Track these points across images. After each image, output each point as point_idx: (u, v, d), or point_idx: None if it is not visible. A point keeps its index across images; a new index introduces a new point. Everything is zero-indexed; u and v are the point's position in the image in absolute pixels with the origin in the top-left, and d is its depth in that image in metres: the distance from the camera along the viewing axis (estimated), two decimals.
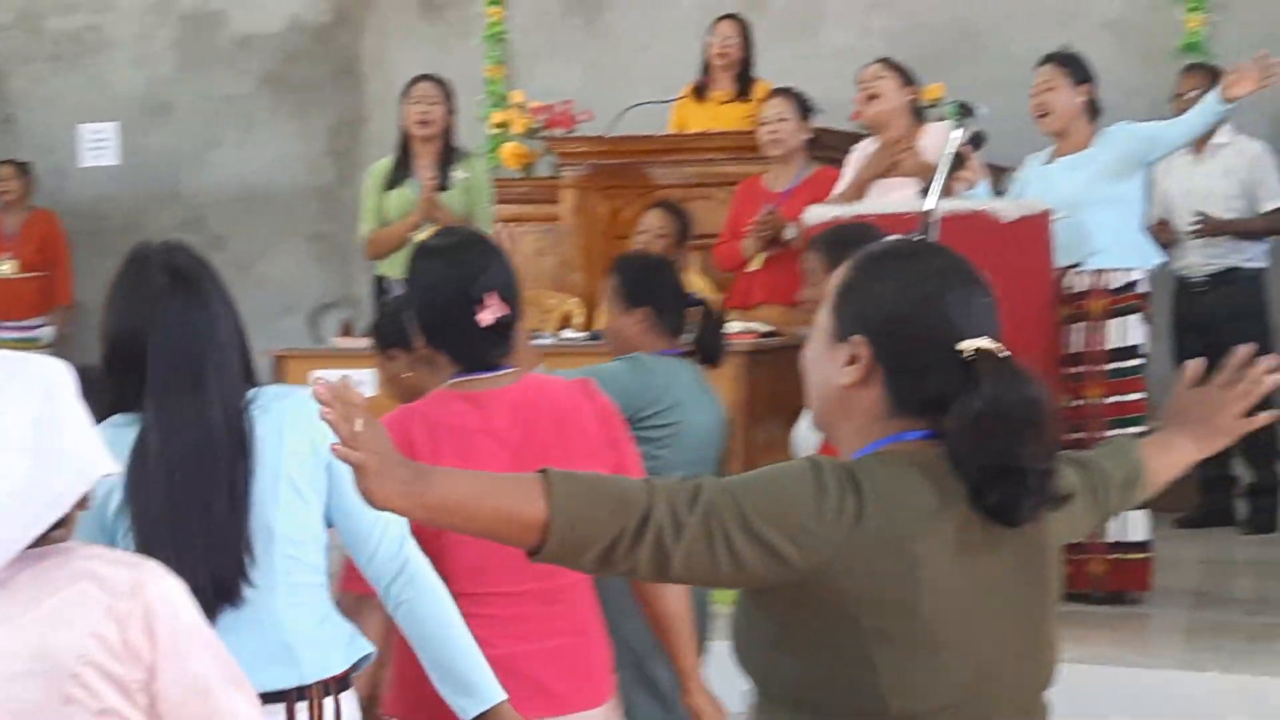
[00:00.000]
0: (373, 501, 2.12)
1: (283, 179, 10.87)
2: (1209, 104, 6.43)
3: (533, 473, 2.15)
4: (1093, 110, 6.67)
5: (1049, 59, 6.73)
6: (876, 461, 2.22)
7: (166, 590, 2.41)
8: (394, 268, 7.52)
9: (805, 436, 4.60)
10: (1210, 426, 2.72)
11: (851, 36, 9.71)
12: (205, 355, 2.92)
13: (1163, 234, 7.74)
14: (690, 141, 8.30)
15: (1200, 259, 7.93)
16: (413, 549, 3.08)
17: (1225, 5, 9.11)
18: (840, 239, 4.83)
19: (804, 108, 7.49)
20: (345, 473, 2.36)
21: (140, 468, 2.88)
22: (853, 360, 2.28)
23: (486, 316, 3.32)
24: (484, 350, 3.37)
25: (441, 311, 3.37)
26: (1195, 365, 2.75)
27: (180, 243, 3.06)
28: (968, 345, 2.21)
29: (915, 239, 2.43)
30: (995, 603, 2.23)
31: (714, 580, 2.21)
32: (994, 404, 2.17)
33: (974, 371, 2.20)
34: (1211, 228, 7.73)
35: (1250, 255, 7.91)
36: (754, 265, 7.34)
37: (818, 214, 6.32)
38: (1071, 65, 6.68)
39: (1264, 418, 2.73)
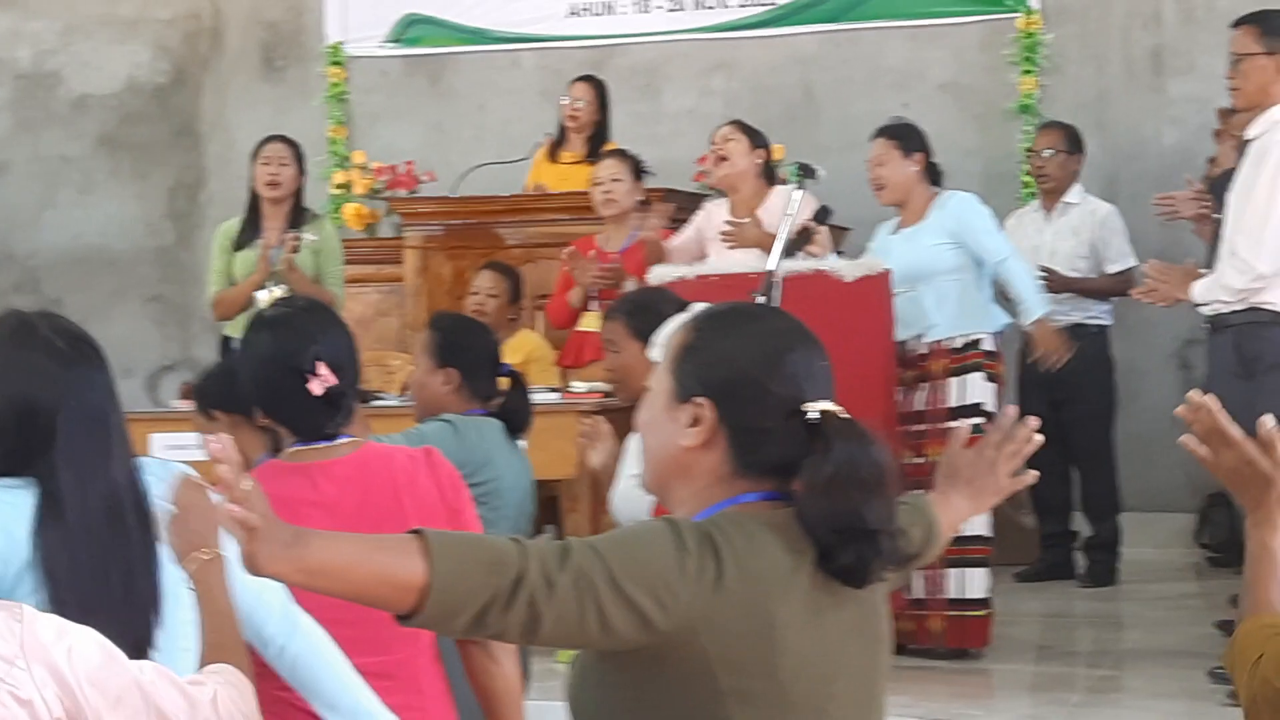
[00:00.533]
0: (255, 565, 2.07)
1: (120, 240, 10.72)
2: (1037, 302, 6.64)
3: (406, 534, 2.09)
4: (932, 175, 6.78)
5: (880, 132, 6.80)
6: (727, 522, 2.21)
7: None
8: (239, 328, 7.43)
9: (630, 498, 4.54)
10: (980, 486, 2.76)
11: (692, 98, 9.80)
12: (110, 418, 2.89)
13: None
14: (533, 202, 8.32)
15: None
16: (295, 605, 3.02)
17: (1057, 68, 9.31)
18: (640, 305, 4.85)
19: (637, 169, 7.53)
20: (230, 551, 2.40)
21: (54, 529, 2.81)
22: (695, 421, 2.26)
23: (316, 386, 3.28)
24: (317, 420, 3.34)
25: (273, 382, 3.34)
26: (963, 432, 2.80)
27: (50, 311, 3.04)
28: (813, 407, 2.22)
29: (751, 301, 2.44)
30: (841, 663, 2.25)
31: (582, 641, 2.18)
32: (846, 466, 2.18)
33: (820, 434, 2.21)
34: (1057, 284, 7.85)
35: (1095, 313, 8.05)
36: (587, 324, 7.34)
37: (662, 274, 6.35)
38: (902, 137, 6.76)
39: (1029, 478, 2.78)
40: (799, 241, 5.96)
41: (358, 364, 3.43)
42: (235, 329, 7.35)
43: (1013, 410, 2.77)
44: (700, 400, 2.26)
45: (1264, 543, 2.56)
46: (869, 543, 2.19)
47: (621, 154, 7.63)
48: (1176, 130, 9.05)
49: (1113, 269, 7.99)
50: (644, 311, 4.63)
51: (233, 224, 7.63)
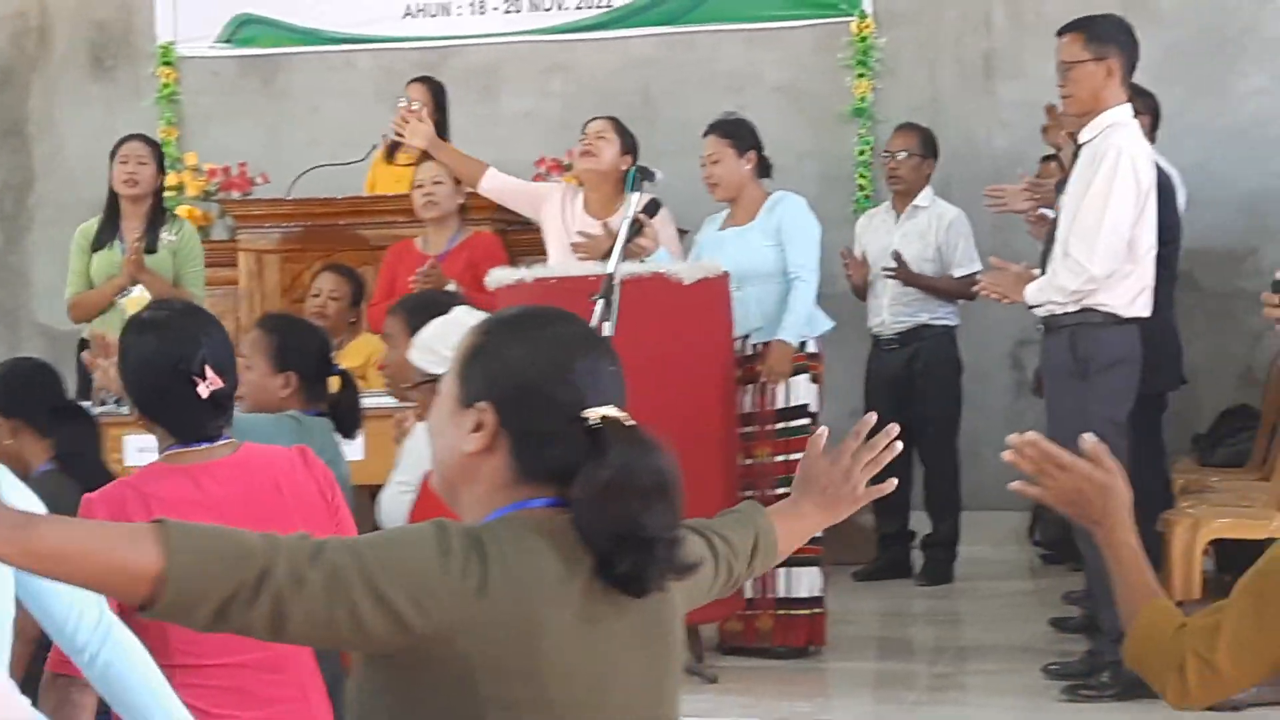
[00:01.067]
0: None
1: None
2: (795, 329, 6.54)
3: (148, 522, 2.07)
4: (763, 170, 6.81)
5: (713, 129, 6.84)
6: (503, 528, 2.19)
7: None
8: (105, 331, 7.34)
9: (393, 503, 4.56)
10: (836, 495, 2.77)
11: (530, 100, 9.78)
12: None
13: (860, 279, 7.96)
14: (369, 204, 8.25)
15: (891, 316, 8.13)
16: (111, 614, 3.01)
17: (891, 71, 9.40)
18: (422, 305, 4.86)
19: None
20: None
21: None
22: (478, 427, 2.25)
23: (204, 390, 3.32)
24: (202, 422, 3.37)
25: (159, 385, 3.35)
26: (820, 436, 2.80)
27: None
28: (594, 413, 2.20)
29: (543, 306, 2.42)
30: (619, 672, 2.22)
31: (333, 641, 2.16)
32: (622, 472, 2.16)
33: (601, 440, 2.19)
34: (904, 275, 7.93)
35: (940, 314, 8.13)
36: None
37: (500, 277, 6.32)
38: (735, 134, 6.80)
39: (887, 487, 2.79)
40: (629, 235, 5.95)
41: (235, 365, 3.48)
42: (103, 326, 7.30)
43: (871, 417, 2.78)
44: (483, 405, 2.24)
45: (1124, 542, 2.64)
46: (646, 551, 2.17)
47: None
48: (1007, 134, 9.18)
49: (959, 273, 8.07)
50: (424, 311, 4.64)
51: (91, 225, 7.54)
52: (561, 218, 7.03)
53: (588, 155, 6.96)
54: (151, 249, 7.34)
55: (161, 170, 7.56)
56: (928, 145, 8.24)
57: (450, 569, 2.13)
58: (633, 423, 2.22)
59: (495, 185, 7.30)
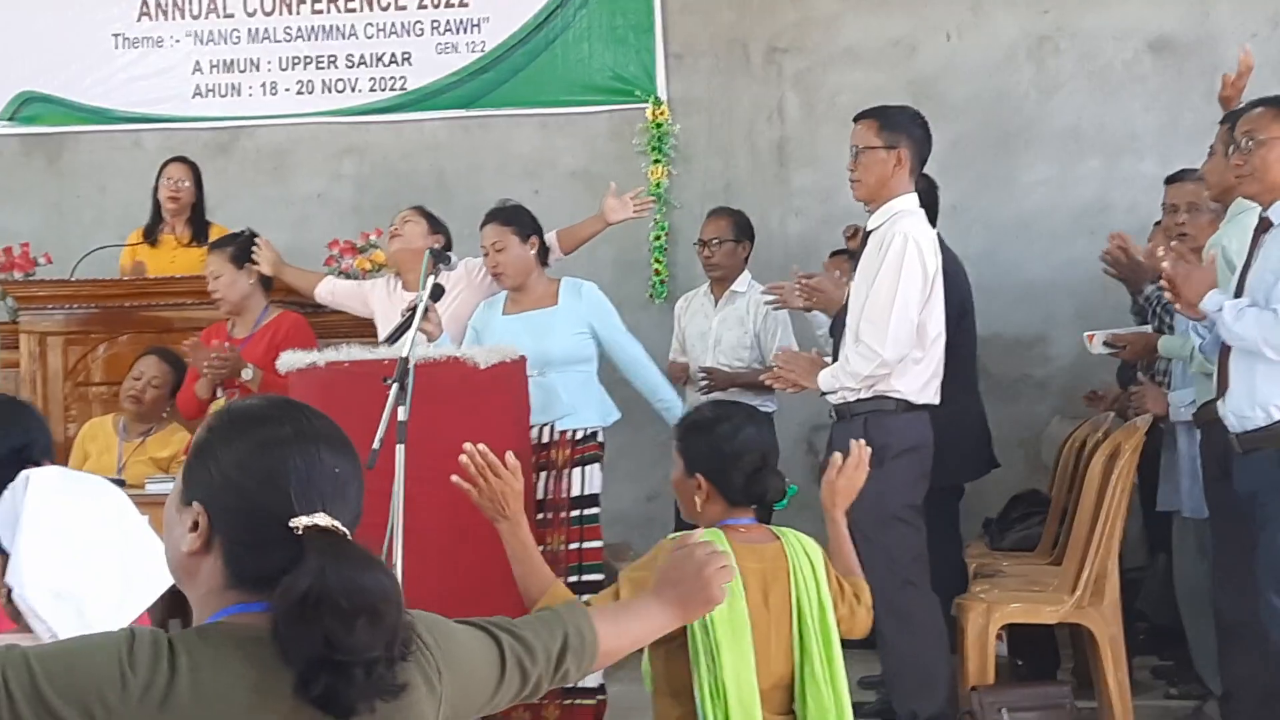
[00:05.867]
0: None
1: None
2: (677, 403, 6.83)
3: None
4: (544, 258, 6.82)
5: (491, 216, 6.84)
6: (201, 637, 2.12)
7: None
8: None
9: None
10: (690, 594, 2.75)
11: (322, 182, 9.68)
12: None
13: (680, 375, 7.89)
14: (156, 286, 8.08)
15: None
16: None
17: (685, 158, 9.46)
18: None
19: (240, 256, 7.31)
20: None
21: None
22: (194, 527, 2.19)
23: None
24: None
25: None
26: (693, 541, 2.81)
27: None
28: (299, 522, 2.13)
29: (278, 397, 2.32)
30: None
31: None
32: (318, 587, 2.06)
33: (302, 551, 2.11)
34: (719, 382, 7.83)
35: (760, 402, 8.05)
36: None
37: (290, 361, 6.21)
38: (516, 221, 6.80)
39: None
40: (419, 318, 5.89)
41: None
42: None
43: (837, 457, 2.79)
44: (197, 507, 2.19)
45: (525, 534, 3.48)
46: (342, 673, 2.06)
47: (220, 245, 7.44)
48: (801, 220, 9.27)
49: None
50: None
51: None
52: (389, 301, 7.08)
53: (396, 237, 7.09)
54: None
55: None
56: (742, 229, 8.11)
57: (129, 683, 2.04)
58: (341, 533, 2.13)
59: (328, 290, 7.45)
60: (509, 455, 3.47)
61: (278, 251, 7.40)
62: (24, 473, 3.04)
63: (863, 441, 4.11)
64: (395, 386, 5.37)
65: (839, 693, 3.94)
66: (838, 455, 4.00)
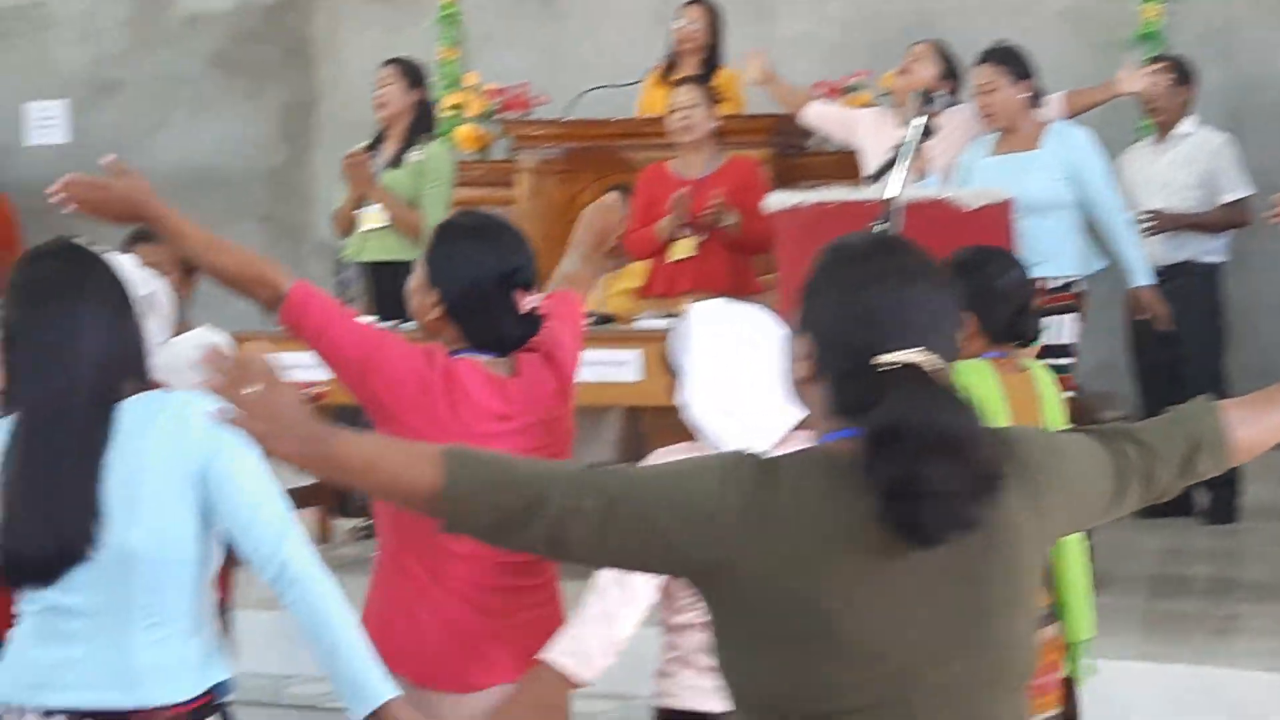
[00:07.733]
0: (272, 454, 2.25)
1: (233, 160, 10.76)
2: (1143, 270, 6.71)
3: (436, 448, 2.23)
4: (1036, 101, 6.70)
5: (987, 56, 6.74)
6: (801, 461, 2.22)
7: None
8: (355, 250, 7.53)
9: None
10: None
11: (808, 23, 9.70)
12: (64, 360, 2.98)
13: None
14: (646, 126, 8.25)
15: (1157, 251, 7.87)
16: (294, 548, 3.02)
17: None
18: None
19: (712, 96, 7.49)
20: (223, 477, 2.84)
21: (9, 440, 2.99)
22: (805, 355, 2.29)
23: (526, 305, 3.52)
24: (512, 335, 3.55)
25: (481, 292, 3.50)
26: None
27: (64, 245, 3.13)
28: (885, 358, 2.18)
29: (880, 235, 2.40)
30: (914, 604, 2.18)
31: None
32: (897, 423, 2.13)
33: (888, 386, 2.17)
34: (1165, 222, 7.68)
35: (1208, 248, 7.83)
36: (682, 253, 7.32)
37: (779, 200, 6.27)
38: (1010, 62, 6.69)
39: None
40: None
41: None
42: (353, 251, 7.50)
43: None
44: (806, 336, 2.29)
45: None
46: (921, 506, 2.11)
47: (698, 79, 7.63)
48: None
49: (1225, 199, 7.82)
50: None
51: (359, 147, 7.69)
52: (876, 136, 7.13)
53: (904, 74, 7.24)
54: (396, 164, 7.51)
55: (416, 88, 7.66)
56: (1182, 72, 7.88)
57: (729, 500, 2.17)
58: (931, 369, 2.18)
59: (816, 114, 7.72)
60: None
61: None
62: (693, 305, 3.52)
63: None
64: (882, 227, 5.37)
65: None
66: None
